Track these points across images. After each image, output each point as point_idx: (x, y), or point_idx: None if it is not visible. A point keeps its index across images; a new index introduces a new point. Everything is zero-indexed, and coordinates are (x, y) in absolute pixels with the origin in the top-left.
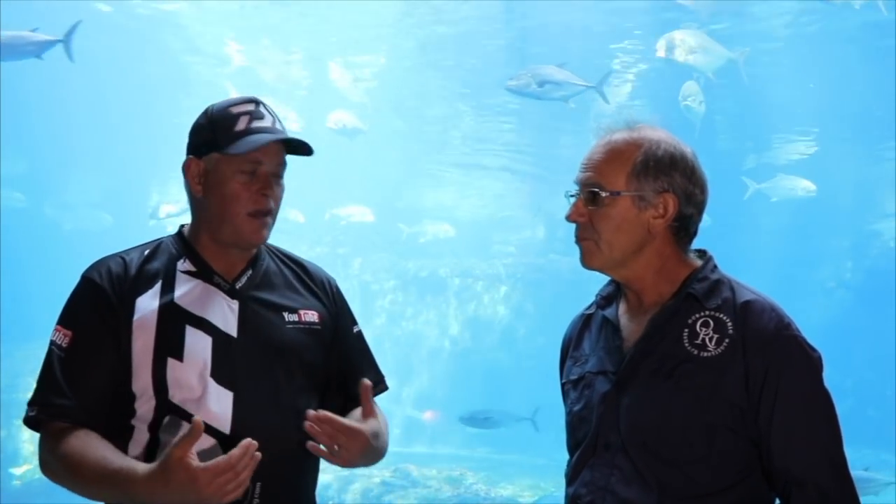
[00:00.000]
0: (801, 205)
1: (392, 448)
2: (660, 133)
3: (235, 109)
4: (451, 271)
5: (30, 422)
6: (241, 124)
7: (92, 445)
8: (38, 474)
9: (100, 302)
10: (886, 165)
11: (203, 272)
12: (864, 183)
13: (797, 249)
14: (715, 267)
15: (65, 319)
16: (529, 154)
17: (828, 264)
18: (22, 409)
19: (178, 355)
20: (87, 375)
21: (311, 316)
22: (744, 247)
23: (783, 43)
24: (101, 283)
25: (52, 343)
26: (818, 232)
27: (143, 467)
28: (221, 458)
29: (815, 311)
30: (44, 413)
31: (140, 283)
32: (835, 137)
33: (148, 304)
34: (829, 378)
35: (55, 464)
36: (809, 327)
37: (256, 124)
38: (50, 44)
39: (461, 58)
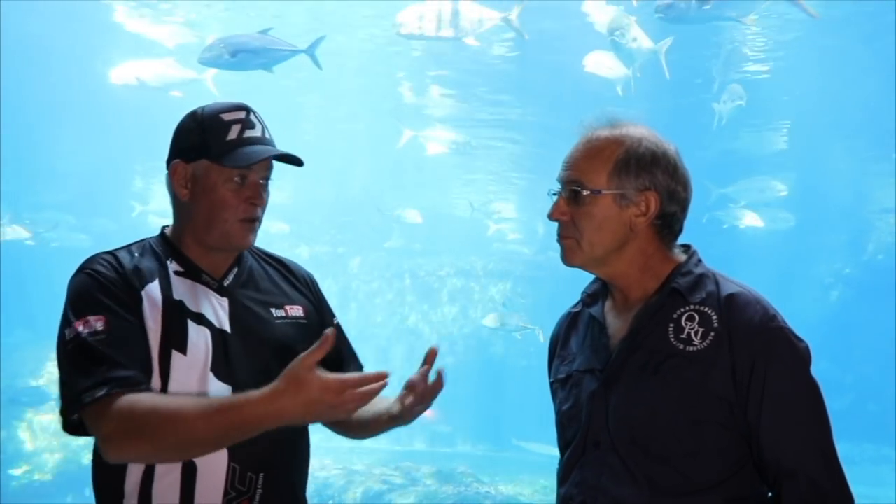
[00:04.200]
0: (800, 201)
1: (392, 446)
2: (642, 130)
3: (227, 116)
4: (449, 269)
5: (88, 408)
6: (234, 133)
7: (175, 396)
8: (38, 475)
9: (115, 287)
10: (885, 160)
11: (191, 272)
12: (863, 178)
13: (796, 245)
14: (699, 261)
15: (87, 308)
16: (529, 151)
17: (827, 260)
18: (21, 410)
19: (183, 349)
20: (135, 348)
21: (297, 311)
22: (743, 243)
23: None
24: (109, 273)
25: (81, 333)
26: (817, 227)
27: (259, 390)
28: (355, 374)
29: (814, 306)
30: (117, 386)
31: (140, 277)
32: (834, 132)
33: (152, 296)
34: (829, 373)
35: (136, 426)
36: (809, 323)
37: (248, 134)
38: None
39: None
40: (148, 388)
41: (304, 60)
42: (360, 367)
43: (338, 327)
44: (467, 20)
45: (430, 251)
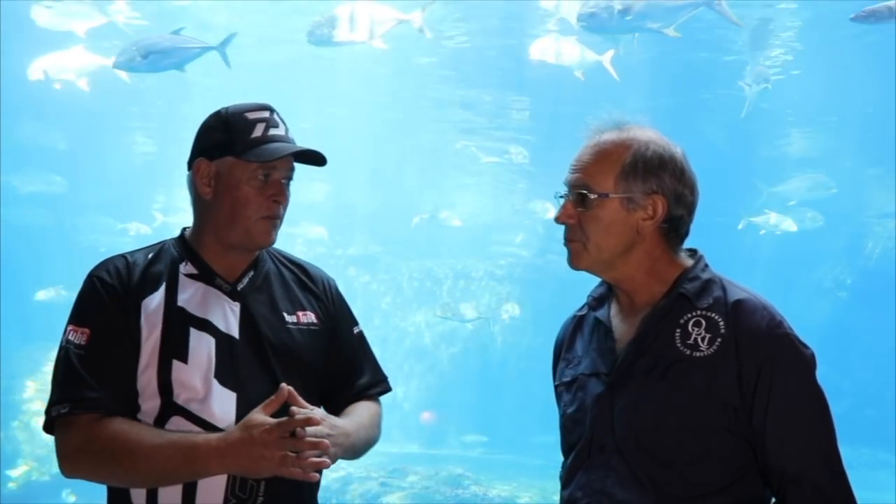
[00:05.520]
0: (799, 205)
1: (390, 449)
2: (649, 133)
3: (251, 115)
4: (448, 272)
5: (56, 420)
6: (258, 131)
7: (137, 424)
8: (36, 476)
9: (112, 299)
10: (884, 164)
11: (205, 274)
12: (863, 182)
13: (795, 250)
14: (706, 266)
15: (79, 318)
16: (529, 153)
17: (826, 264)
18: (19, 412)
19: (183, 357)
20: (111, 368)
21: (310, 317)
22: (742, 247)
23: (797, 43)
24: (111, 281)
25: (68, 342)
26: (816, 232)
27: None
28: (287, 419)
29: (813, 311)
30: (78, 407)
31: (146, 284)
32: (835, 135)
33: (154, 306)
34: (828, 378)
35: (93, 452)
36: (807, 327)
37: (272, 132)
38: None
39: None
40: (112, 410)
41: (306, 61)
42: (379, 379)
43: (359, 336)
44: (376, 23)
45: (430, 254)
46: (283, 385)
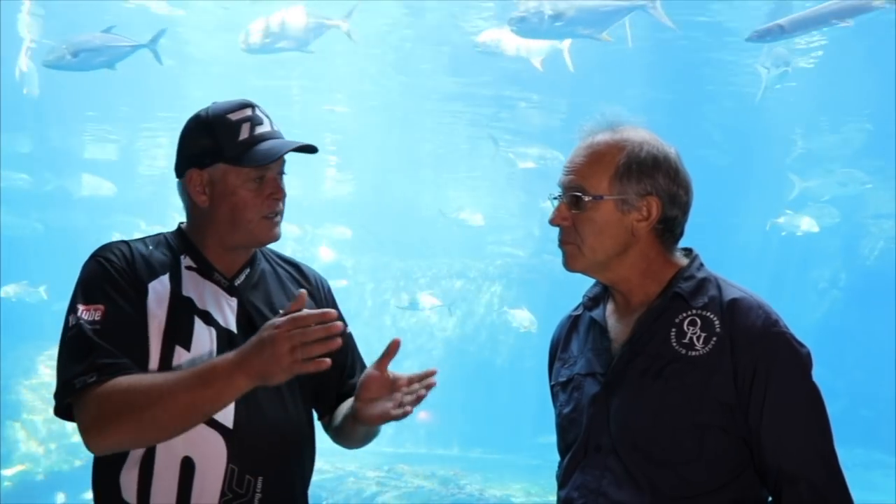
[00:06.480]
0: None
1: (386, 448)
2: (642, 134)
3: (234, 116)
4: (445, 271)
5: (80, 392)
6: (244, 132)
7: (149, 374)
8: (30, 476)
9: (121, 277)
10: (881, 164)
11: (203, 269)
12: (859, 182)
13: (792, 249)
14: (701, 265)
15: (90, 297)
16: (525, 152)
17: (820, 265)
18: (14, 411)
19: (186, 344)
20: (129, 338)
21: None
22: (737, 247)
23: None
24: (119, 262)
25: (81, 320)
26: (811, 232)
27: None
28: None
29: (807, 311)
30: (106, 374)
31: (151, 269)
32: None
33: (160, 290)
34: (822, 378)
35: (113, 411)
36: (802, 328)
37: (259, 130)
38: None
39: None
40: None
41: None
42: None
43: (350, 336)
44: (308, 29)
45: (426, 253)
46: (303, 290)
